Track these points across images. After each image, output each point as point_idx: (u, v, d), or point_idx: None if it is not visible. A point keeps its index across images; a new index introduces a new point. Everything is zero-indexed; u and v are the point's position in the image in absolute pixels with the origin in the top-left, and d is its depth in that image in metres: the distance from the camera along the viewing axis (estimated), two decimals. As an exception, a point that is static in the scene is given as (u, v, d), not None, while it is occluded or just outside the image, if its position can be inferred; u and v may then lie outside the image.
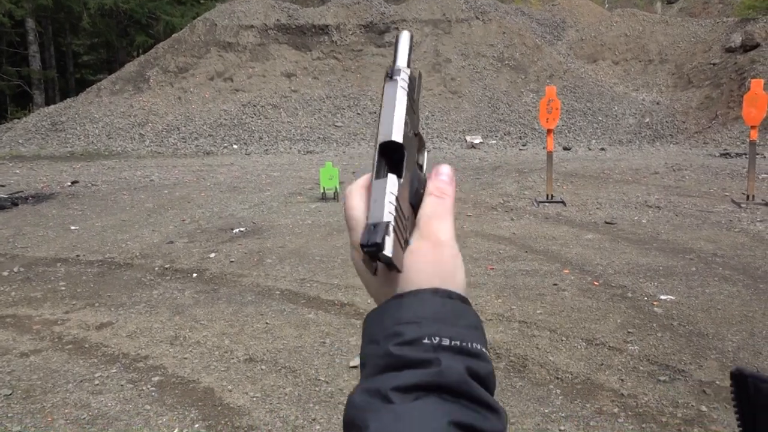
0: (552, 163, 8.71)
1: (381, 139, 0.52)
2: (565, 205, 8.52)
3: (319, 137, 18.80)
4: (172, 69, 22.13)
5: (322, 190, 9.68)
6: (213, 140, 18.80)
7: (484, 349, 0.50)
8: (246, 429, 3.45)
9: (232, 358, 4.35)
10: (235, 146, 18.18)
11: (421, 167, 0.58)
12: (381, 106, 0.53)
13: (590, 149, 15.59)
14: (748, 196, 7.83)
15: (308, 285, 5.76)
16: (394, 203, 0.49)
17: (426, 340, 0.47)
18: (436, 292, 0.50)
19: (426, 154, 0.61)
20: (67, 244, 7.46)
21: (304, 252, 6.84)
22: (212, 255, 6.86)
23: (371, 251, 0.48)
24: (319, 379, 4.00)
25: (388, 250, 0.48)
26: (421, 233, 0.53)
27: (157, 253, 7.05)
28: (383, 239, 0.47)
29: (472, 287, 5.48)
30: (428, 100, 20.03)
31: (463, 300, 0.52)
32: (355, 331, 4.68)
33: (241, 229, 7.96)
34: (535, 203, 8.73)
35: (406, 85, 0.53)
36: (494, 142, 17.45)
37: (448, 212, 0.54)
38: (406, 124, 0.52)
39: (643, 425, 3.32)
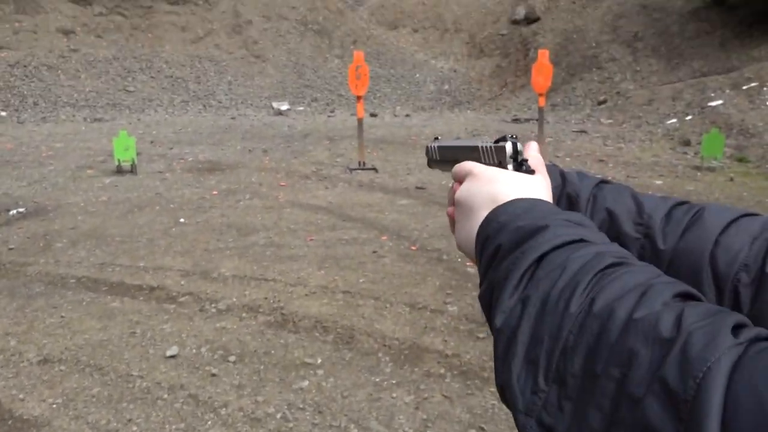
0: (363, 130, 8.78)
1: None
2: (377, 171, 8.67)
3: (107, 103, 17.03)
4: None
5: (117, 163, 8.76)
6: (-26, 106, 16.11)
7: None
8: (46, 444, 2.97)
9: (22, 361, 3.74)
10: (3, 113, 15.77)
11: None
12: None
13: (396, 116, 16.11)
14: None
15: (109, 270, 5.16)
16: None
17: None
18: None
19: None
20: None
21: (101, 233, 6.13)
22: (-15, 242, 5.85)
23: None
24: (131, 375, 3.59)
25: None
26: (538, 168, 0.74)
27: None
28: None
29: (293, 260, 5.32)
30: (230, 64, 19.15)
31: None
32: (168, 317, 4.28)
33: (20, 209, 6.90)
34: (348, 170, 8.76)
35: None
36: (302, 108, 17.25)
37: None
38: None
39: (468, 382, 3.46)
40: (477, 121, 14.38)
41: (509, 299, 0.55)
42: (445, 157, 0.86)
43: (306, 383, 3.50)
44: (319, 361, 3.72)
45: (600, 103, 14.44)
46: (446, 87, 19.03)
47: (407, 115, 15.89)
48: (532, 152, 0.76)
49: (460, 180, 0.75)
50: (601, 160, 9.30)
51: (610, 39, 16.92)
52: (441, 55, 20.94)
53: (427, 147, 0.90)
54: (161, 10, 20.32)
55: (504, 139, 0.74)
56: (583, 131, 11.83)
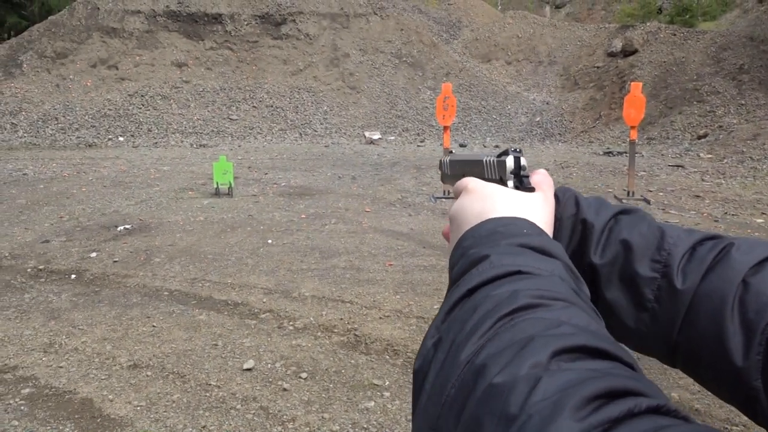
0: (448, 160, 8.85)
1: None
2: (460, 200, 8.69)
3: (212, 130, 18.13)
4: (49, 54, 20.56)
5: (215, 186, 9.31)
6: (96, 131, 17.64)
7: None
8: (128, 442, 3.20)
9: (115, 365, 4.04)
10: (121, 138, 17.16)
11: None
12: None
13: (485, 146, 16.10)
14: (628, 192, 8.34)
15: (200, 285, 5.49)
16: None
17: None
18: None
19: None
20: None
21: (196, 250, 6.52)
22: (93, 254, 6.39)
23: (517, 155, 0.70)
24: (209, 384, 3.80)
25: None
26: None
27: (29, 254, 6.47)
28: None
29: (371, 284, 5.44)
30: (326, 95, 19.88)
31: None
32: (249, 332, 4.49)
33: (127, 226, 7.48)
34: (432, 199, 8.85)
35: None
36: (393, 138, 17.60)
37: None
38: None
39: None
40: (567, 153, 14.10)
41: (430, 340, 0.47)
42: (454, 172, 0.82)
43: (372, 404, 3.56)
44: (387, 383, 3.78)
45: (700, 137, 13.78)
46: (538, 119, 18.81)
47: (496, 146, 15.82)
48: (539, 175, 0.69)
49: (457, 196, 0.70)
50: (697, 196, 8.86)
51: (712, 71, 16.17)
52: (534, 87, 20.76)
53: (440, 161, 0.87)
54: (266, 44, 21.50)
55: (507, 153, 0.70)
56: (679, 166, 11.32)
